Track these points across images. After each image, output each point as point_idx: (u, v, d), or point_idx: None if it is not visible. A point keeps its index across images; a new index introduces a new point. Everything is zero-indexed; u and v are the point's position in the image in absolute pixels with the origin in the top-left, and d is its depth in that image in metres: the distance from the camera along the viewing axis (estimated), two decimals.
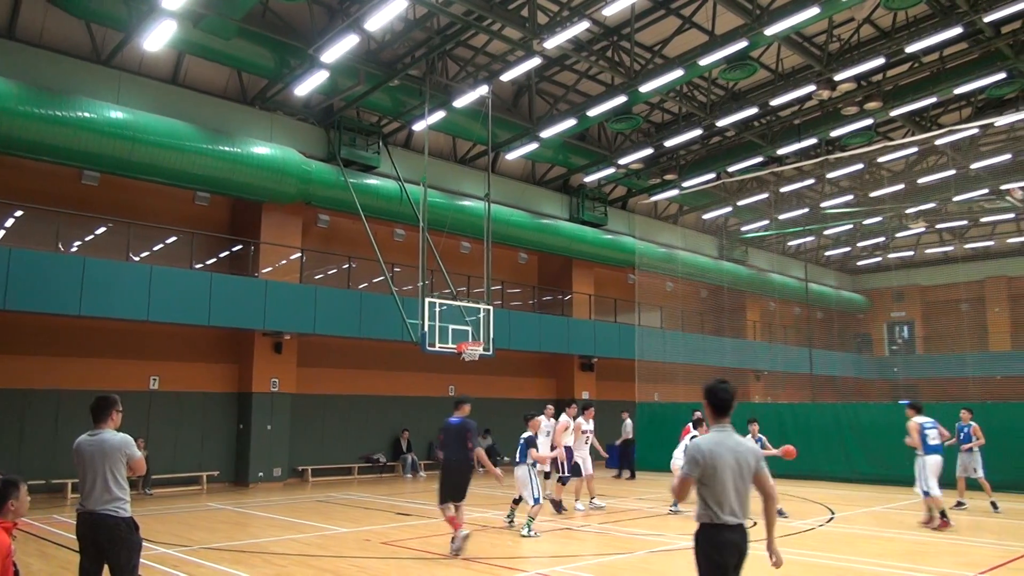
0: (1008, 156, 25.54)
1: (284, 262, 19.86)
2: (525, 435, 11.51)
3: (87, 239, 17.84)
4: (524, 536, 10.84)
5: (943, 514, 11.77)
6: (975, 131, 24.25)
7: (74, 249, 17.44)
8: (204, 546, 10.37)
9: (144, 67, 17.93)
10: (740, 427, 12.12)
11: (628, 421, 21.28)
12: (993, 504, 13.67)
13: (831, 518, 13.33)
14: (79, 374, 16.84)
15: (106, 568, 5.56)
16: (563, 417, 14.40)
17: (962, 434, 13.98)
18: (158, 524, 12.35)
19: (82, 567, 5.55)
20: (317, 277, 21.04)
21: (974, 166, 26.30)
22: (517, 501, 12.04)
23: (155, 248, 18.70)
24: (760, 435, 13.90)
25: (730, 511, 4.47)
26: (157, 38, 14.97)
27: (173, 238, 18.88)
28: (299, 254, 20.27)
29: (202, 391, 18.96)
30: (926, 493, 11.93)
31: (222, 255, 19.94)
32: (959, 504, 13.83)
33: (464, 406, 10.41)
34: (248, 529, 12.36)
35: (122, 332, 17.59)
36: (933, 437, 12.24)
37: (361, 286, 21.23)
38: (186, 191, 18.72)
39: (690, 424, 14.32)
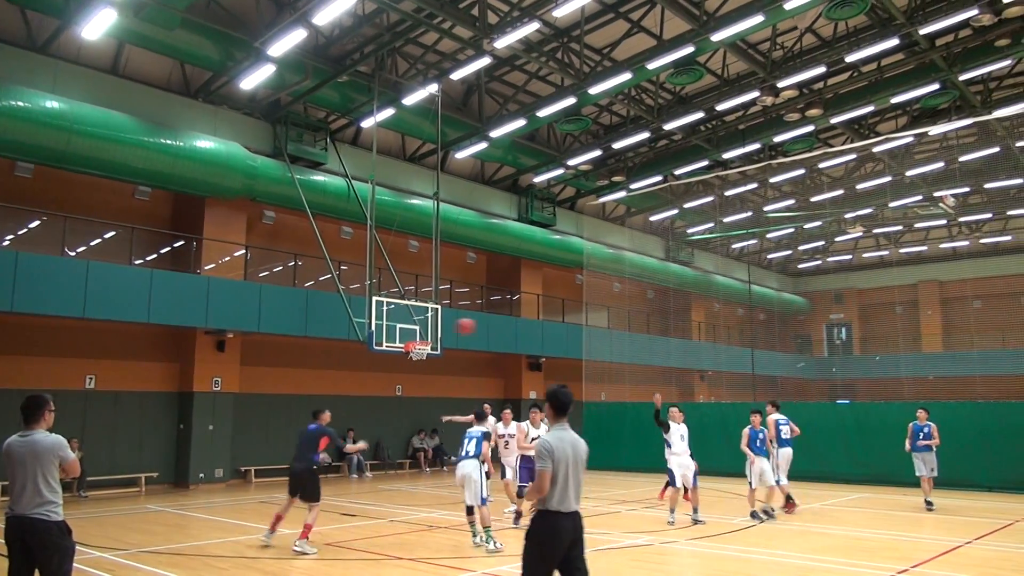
0: (941, 164, 26.52)
1: (228, 259, 19.47)
2: (479, 429, 10.65)
3: (20, 233, 17.21)
4: (493, 551, 9.76)
5: (789, 498, 13.50)
6: (910, 139, 25.11)
7: (6, 243, 16.83)
8: (141, 549, 10.10)
9: (82, 56, 17.38)
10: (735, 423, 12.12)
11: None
12: (928, 503, 13.99)
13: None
14: (11, 373, 16.22)
15: (37, 573, 5.37)
16: (522, 424, 13.27)
17: (921, 434, 14.15)
18: (93, 527, 11.99)
19: (11, 573, 5.36)
20: (262, 274, 20.68)
21: (909, 173, 27.24)
22: (470, 512, 10.55)
23: (92, 243, 18.15)
24: (928, 422, 14.36)
25: (566, 500, 4.98)
26: (96, 26, 14.50)
27: (112, 233, 18.34)
28: (243, 251, 19.90)
29: (141, 390, 18.46)
30: (778, 482, 13.22)
31: (163, 251, 19.44)
32: (928, 504, 13.99)
33: (322, 415, 11.00)
34: (188, 531, 12.09)
35: (57, 329, 17.02)
36: (785, 432, 13.70)
37: (307, 284, 20.94)
38: (126, 185, 18.19)
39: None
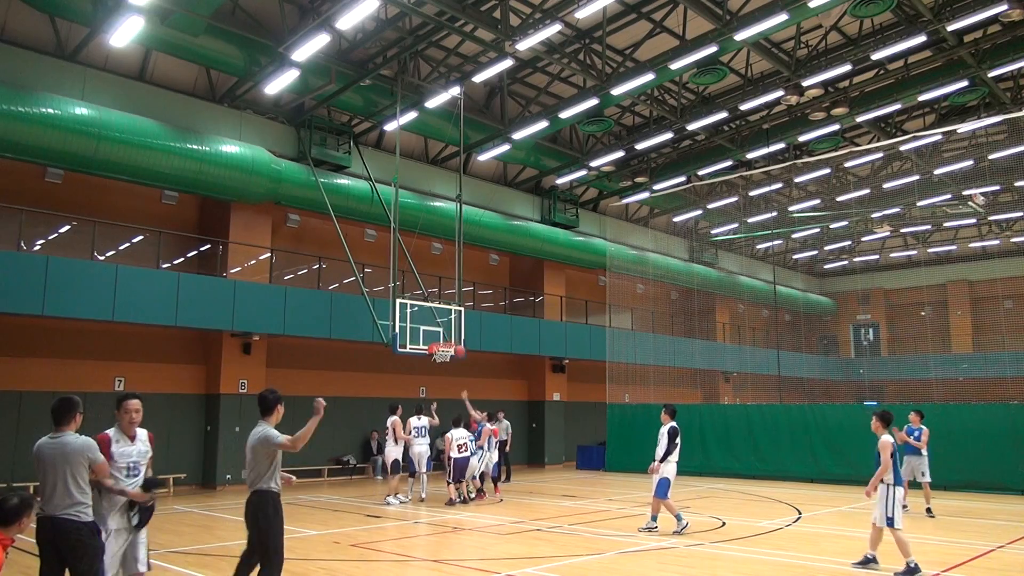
0: (970, 162, 26.11)
1: (253, 262, 19.65)
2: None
3: (50, 237, 17.49)
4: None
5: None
6: (938, 137, 24.75)
7: (37, 248, 17.09)
8: (170, 550, 10.21)
9: (110, 63, 17.65)
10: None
11: (505, 422, 19.68)
12: (928, 510, 13.47)
13: (798, 518, 13.50)
14: (42, 375, 16.50)
15: (67, 573, 5.44)
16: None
17: (912, 437, 13.78)
18: None
19: (42, 573, 5.44)
20: (287, 277, 20.85)
21: (937, 172, 26.83)
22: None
23: (121, 247, 18.39)
24: (920, 426, 13.85)
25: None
26: (124, 34, 14.72)
27: (139, 237, 18.58)
28: (268, 254, 20.07)
29: (169, 392, 18.68)
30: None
31: (190, 255, 19.67)
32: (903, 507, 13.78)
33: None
34: (215, 532, 12.20)
35: (86, 333, 17.28)
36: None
37: (331, 287, 21.08)
38: (153, 189, 18.44)
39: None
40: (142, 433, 6.20)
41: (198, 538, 11.44)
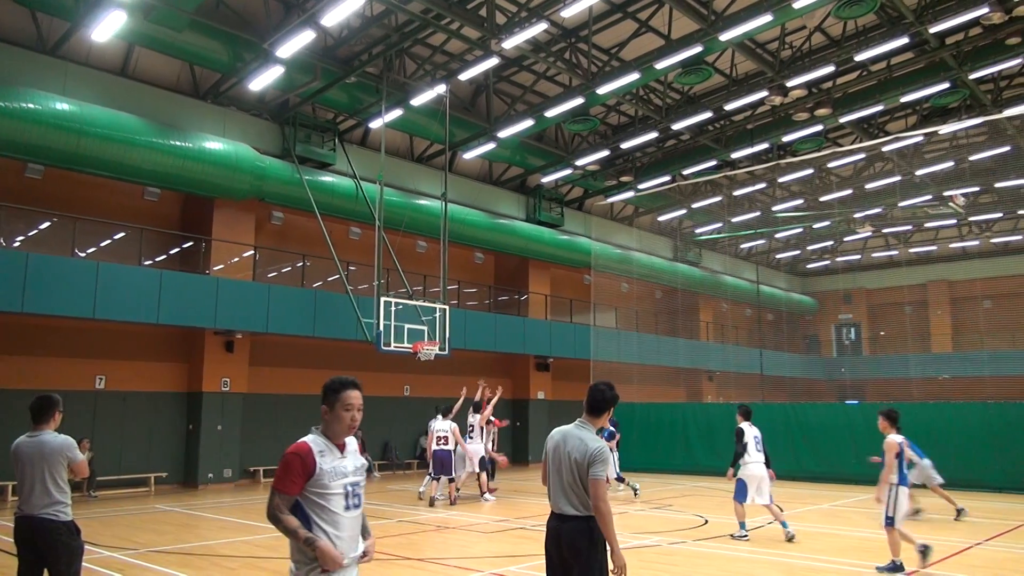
0: (951, 163, 26.39)
1: (236, 259, 19.53)
2: None
3: (30, 234, 17.30)
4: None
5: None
6: (920, 139, 24.99)
7: (16, 244, 16.91)
8: (151, 549, 10.14)
9: (92, 58, 17.47)
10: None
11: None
12: (959, 510, 13.23)
13: None
14: (21, 373, 16.30)
15: (46, 573, 5.40)
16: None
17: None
18: (103, 527, 12.04)
19: (20, 573, 5.39)
20: (270, 275, 20.73)
21: (919, 173, 27.09)
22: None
23: (102, 244, 18.23)
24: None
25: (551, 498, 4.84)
26: (106, 29, 14.58)
27: (121, 234, 18.41)
28: (252, 251, 19.95)
29: (150, 391, 18.53)
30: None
31: (172, 252, 19.51)
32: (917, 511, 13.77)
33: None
34: (197, 531, 12.12)
35: (67, 330, 17.11)
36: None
37: (315, 285, 20.98)
38: (135, 186, 18.28)
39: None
40: (351, 442, 3.96)
41: (180, 537, 11.37)
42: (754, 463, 11.03)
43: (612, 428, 16.88)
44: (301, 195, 19.67)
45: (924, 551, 8.62)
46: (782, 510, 11.43)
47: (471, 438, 15.56)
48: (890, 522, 8.48)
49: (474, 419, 15.70)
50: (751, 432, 11.21)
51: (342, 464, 3.79)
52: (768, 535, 11.40)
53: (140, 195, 18.73)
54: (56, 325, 16.78)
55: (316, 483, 3.67)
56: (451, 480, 15.13)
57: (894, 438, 8.61)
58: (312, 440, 3.78)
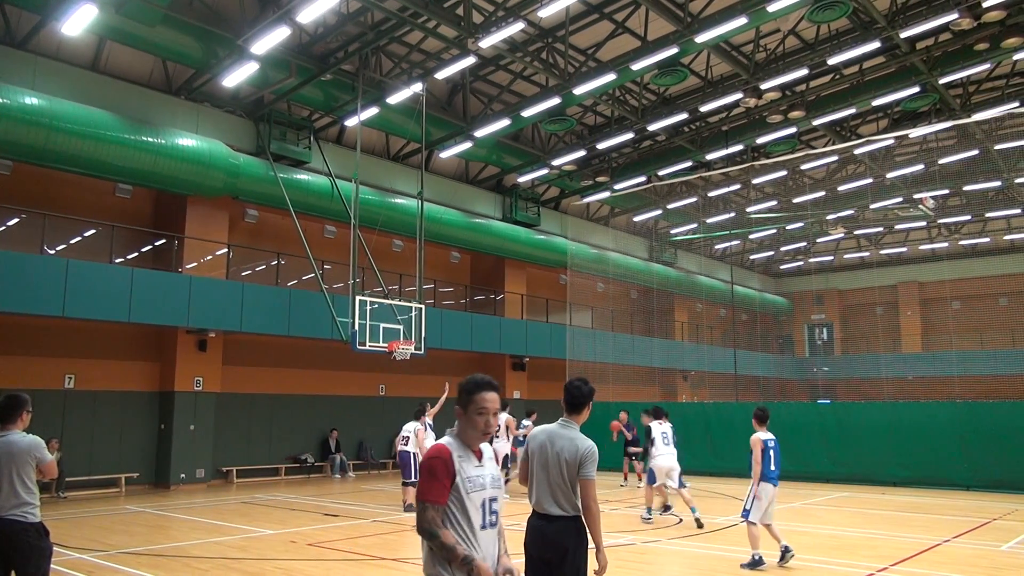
0: (921, 166, 26.81)
1: (210, 257, 19.33)
2: None
3: None
4: None
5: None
6: (891, 142, 25.35)
7: None
8: (121, 550, 10.01)
9: (62, 52, 17.19)
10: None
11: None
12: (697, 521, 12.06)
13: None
14: None
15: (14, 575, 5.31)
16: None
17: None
18: (73, 528, 11.87)
19: None
20: (244, 273, 20.55)
21: (890, 175, 27.51)
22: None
23: (72, 241, 17.96)
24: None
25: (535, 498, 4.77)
26: (76, 22, 14.32)
27: (92, 231, 18.15)
28: (225, 249, 19.76)
29: (121, 390, 18.28)
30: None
31: (144, 249, 19.27)
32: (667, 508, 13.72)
33: None
34: (168, 532, 11.99)
35: (35, 328, 16.82)
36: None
37: (290, 283, 20.83)
38: (106, 182, 18.02)
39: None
40: (487, 449, 3.63)
41: (151, 538, 11.23)
42: (661, 456, 12.58)
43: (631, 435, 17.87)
44: (276, 193, 19.51)
45: (784, 553, 9.03)
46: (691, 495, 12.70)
47: (497, 437, 15.54)
48: (746, 514, 9.05)
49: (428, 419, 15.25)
50: (659, 429, 12.86)
51: (481, 474, 3.45)
52: (740, 532, 11.51)
53: (112, 192, 18.48)
54: (24, 323, 16.50)
55: (454, 492, 3.32)
56: (404, 484, 14.42)
57: (759, 435, 9.24)
58: (449, 443, 3.45)
